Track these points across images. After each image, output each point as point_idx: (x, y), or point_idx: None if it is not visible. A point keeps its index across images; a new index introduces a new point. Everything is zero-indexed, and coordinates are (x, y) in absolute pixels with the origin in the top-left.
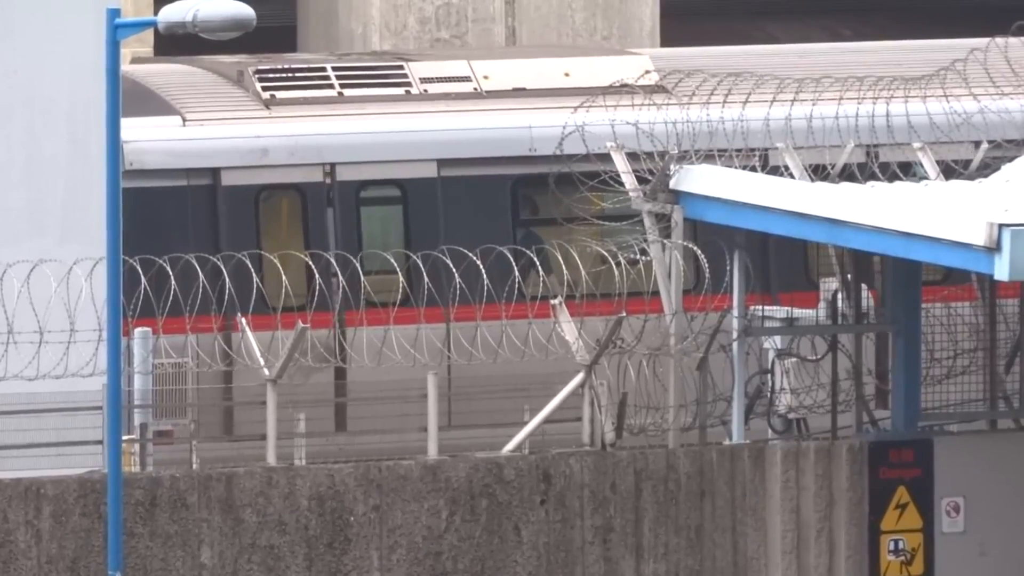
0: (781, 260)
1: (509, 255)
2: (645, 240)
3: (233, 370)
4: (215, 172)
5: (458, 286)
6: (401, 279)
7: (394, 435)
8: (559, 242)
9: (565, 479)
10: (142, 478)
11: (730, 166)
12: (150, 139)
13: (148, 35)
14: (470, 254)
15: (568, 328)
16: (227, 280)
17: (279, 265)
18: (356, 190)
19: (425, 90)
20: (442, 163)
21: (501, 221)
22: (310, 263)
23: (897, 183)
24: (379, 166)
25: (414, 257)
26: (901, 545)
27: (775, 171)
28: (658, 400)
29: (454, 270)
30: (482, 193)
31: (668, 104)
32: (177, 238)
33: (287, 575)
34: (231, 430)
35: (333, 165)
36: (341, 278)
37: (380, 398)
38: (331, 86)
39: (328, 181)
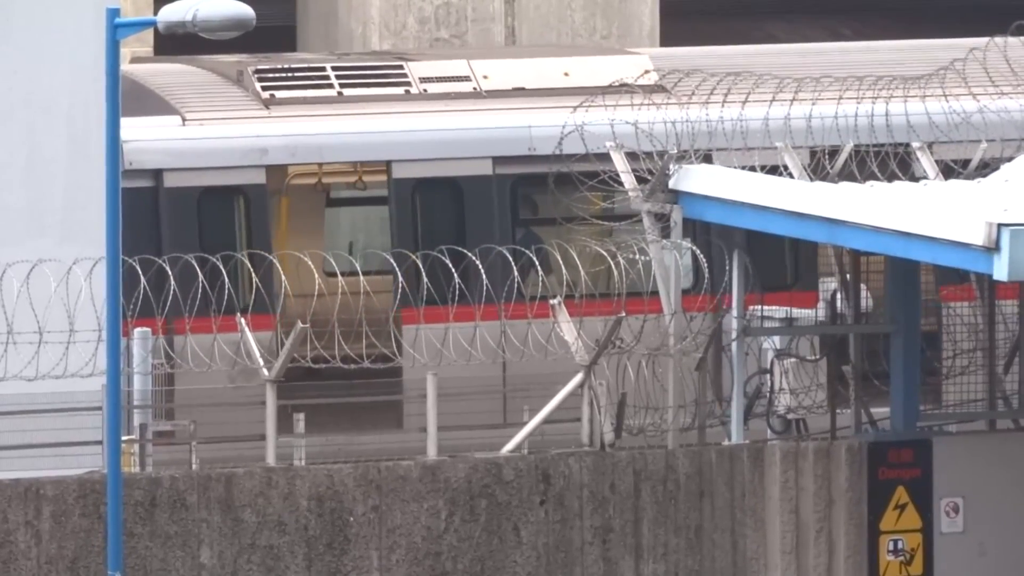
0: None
1: (509, 255)
2: (644, 240)
3: (175, 372)
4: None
5: (456, 287)
6: (401, 279)
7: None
8: (558, 242)
9: (564, 479)
10: (142, 478)
11: (729, 165)
12: (149, 139)
13: (148, 35)
14: (469, 254)
15: (567, 328)
16: (225, 280)
17: (278, 265)
18: (412, 188)
19: (425, 90)
20: (497, 160)
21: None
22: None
23: (896, 183)
24: (435, 164)
25: (419, 257)
26: (900, 545)
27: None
28: (657, 400)
29: (449, 271)
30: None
31: (667, 104)
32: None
33: (286, 575)
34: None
35: (389, 163)
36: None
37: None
38: (331, 86)
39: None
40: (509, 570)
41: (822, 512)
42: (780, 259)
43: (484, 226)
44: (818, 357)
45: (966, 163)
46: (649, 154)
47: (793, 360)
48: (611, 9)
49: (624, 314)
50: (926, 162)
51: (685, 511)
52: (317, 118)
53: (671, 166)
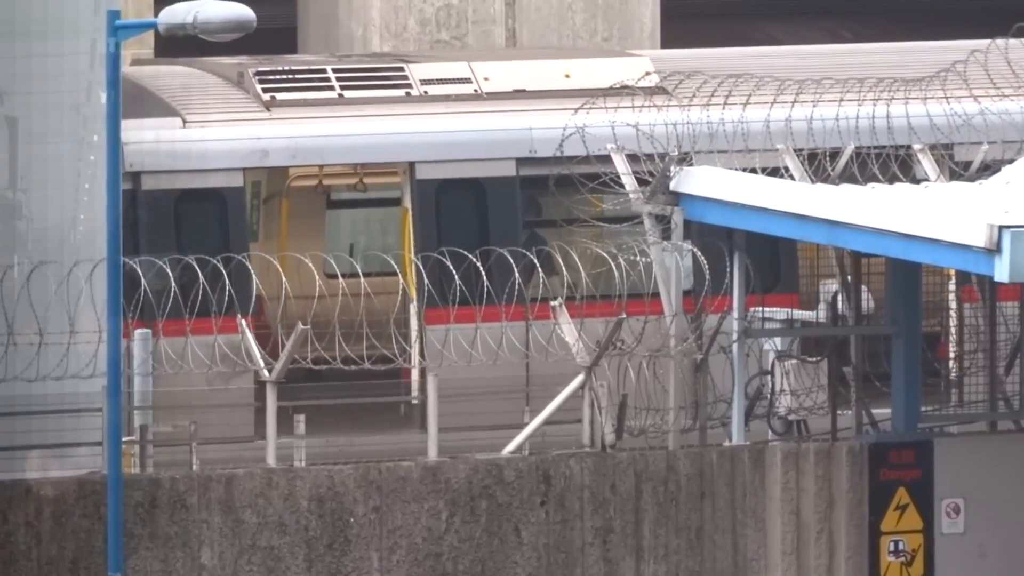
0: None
1: (509, 256)
2: (646, 241)
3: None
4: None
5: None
6: (402, 281)
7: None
8: (559, 244)
9: (565, 480)
10: (142, 479)
11: (730, 167)
12: (150, 141)
13: (148, 36)
14: (470, 256)
15: (568, 330)
16: (226, 283)
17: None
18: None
19: (426, 91)
20: (521, 162)
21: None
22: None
23: (897, 184)
24: (458, 165)
25: (433, 260)
26: (901, 546)
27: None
28: (658, 402)
29: (454, 272)
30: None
31: (668, 106)
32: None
33: None
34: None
35: (412, 164)
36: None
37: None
38: (331, 87)
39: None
40: (510, 571)
41: (823, 513)
42: (761, 261)
43: (507, 226)
44: (819, 358)
45: (967, 165)
46: (650, 156)
47: (794, 361)
48: (612, 11)
49: (625, 315)
50: (927, 164)
51: (686, 512)
52: (318, 120)
53: (672, 168)
